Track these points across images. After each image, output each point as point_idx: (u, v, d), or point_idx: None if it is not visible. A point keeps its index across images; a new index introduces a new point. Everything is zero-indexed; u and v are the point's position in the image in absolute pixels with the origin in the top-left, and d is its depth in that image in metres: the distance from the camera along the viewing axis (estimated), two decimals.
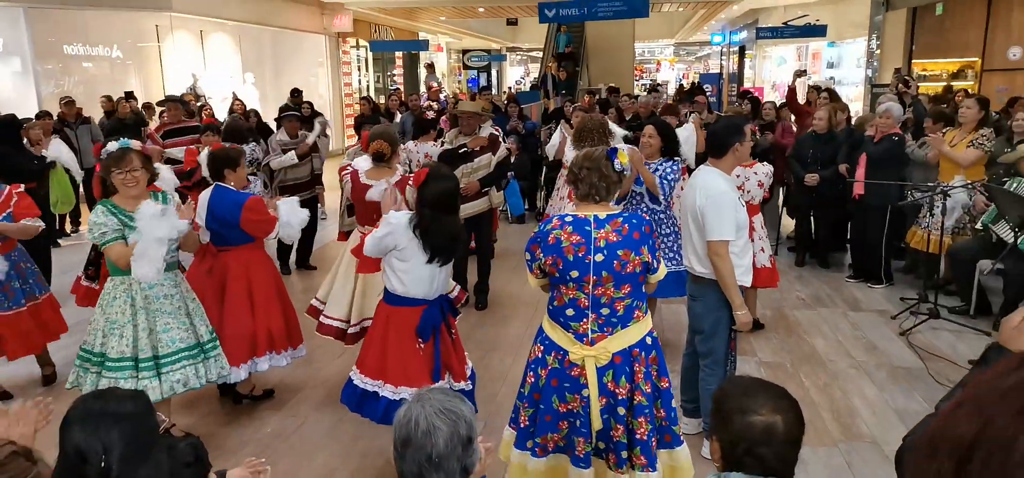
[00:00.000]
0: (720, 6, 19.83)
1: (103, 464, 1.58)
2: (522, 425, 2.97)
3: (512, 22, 26.58)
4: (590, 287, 2.71)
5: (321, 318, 4.56)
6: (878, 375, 4.75)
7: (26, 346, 4.56)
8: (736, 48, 25.69)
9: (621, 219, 2.73)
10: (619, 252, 2.67)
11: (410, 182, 3.34)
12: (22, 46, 11.45)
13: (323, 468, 3.77)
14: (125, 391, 1.75)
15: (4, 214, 4.28)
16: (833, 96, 8.92)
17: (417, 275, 3.27)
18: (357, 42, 19.82)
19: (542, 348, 2.88)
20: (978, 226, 5.65)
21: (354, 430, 4.10)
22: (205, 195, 4.10)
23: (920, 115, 7.44)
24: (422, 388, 1.71)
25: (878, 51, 14.80)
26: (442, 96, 17.14)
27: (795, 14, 18.74)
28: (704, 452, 3.75)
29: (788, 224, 8.11)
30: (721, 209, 3.35)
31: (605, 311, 2.74)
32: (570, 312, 2.78)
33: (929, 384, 4.55)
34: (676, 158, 4.80)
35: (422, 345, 3.31)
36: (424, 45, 21.28)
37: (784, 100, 9.10)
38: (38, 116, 8.76)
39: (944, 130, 6.27)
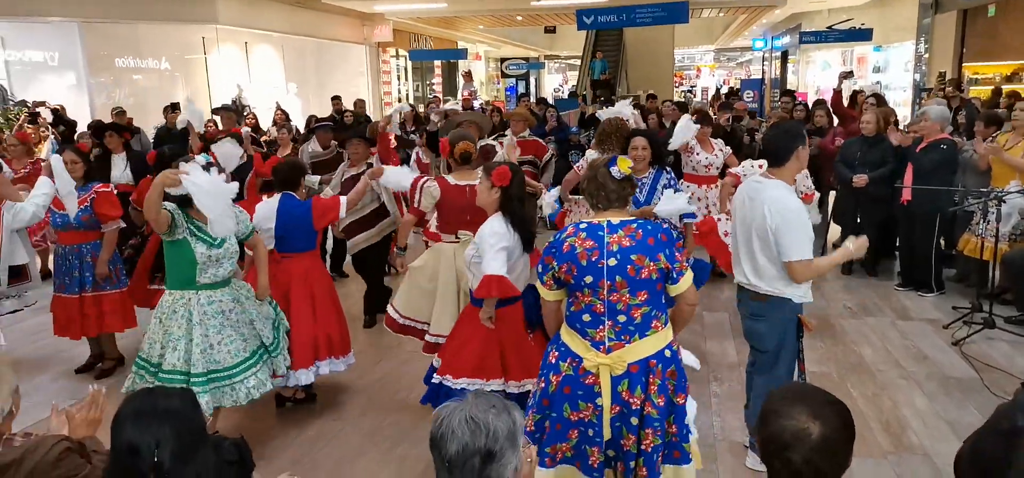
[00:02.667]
0: (762, 11, 19.55)
1: (156, 459, 1.61)
2: (527, 430, 2.92)
3: (550, 30, 26.58)
4: (605, 292, 2.68)
5: (426, 338, 4.17)
6: (929, 386, 4.60)
7: (73, 330, 4.85)
8: (779, 53, 25.31)
9: (635, 224, 2.71)
10: (632, 257, 2.64)
11: (489, 178, 3.45)
12: (77, 60, 11.87)
13: (363, 472, 3.80)
14: (172, 388, 1.78)
15: (83, 207, 4.67)
16: (880, 101, 8.70)
17: (516, 272, 3.44)
18: (397, 52, 20.07)
19: (557, 354, 2.86)
20: None
21: (394, 435, 4.12)
22: (273, 203, 4.23)
23: (972, 118, 7.21)
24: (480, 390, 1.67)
25: (926, 55, 14.41)
26: (476, 104, 17.24)
27: (839, 18, 18.36)
28: (748, 462, 3.68)
29: (834, 231, 7.92)
30: (796, 228, 3.19)
31: (622, 318, 2.70)
32: (586, 317, 2.75)
33: (984, 395, 4.38)
34: (667, 168, 4.78)
35: (532, 335, 3.48)
36: (462, 54, 21.40)
37: (828, 103, 8.92)
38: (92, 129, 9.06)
39: (995, 134, 6.06)
